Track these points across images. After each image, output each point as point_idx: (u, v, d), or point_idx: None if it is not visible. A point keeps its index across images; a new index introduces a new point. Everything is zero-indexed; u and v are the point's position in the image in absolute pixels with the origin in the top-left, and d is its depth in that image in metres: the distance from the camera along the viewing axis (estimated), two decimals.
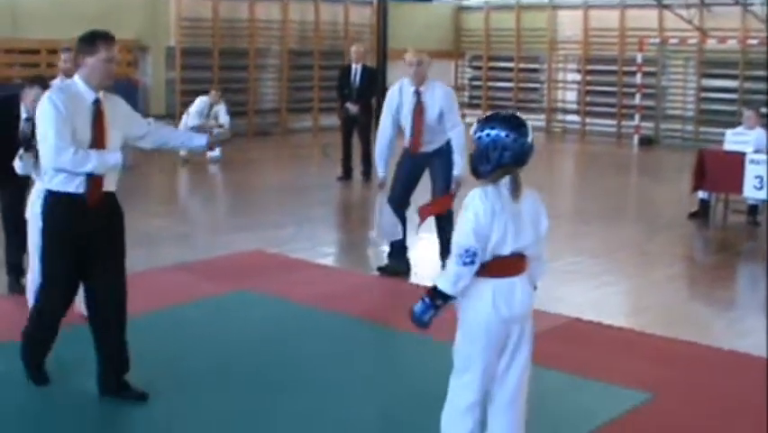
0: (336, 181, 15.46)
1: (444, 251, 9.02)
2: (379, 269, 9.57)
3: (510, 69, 25.01)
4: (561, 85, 24.62)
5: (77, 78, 5.68)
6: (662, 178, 17.54)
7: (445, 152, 9.18)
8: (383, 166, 9.41)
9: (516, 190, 4.57)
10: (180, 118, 19.31)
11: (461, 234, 4.50)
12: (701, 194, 12.74)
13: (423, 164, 9.38)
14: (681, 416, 5.92)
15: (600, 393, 6.25)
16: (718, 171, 12.46)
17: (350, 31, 23.64)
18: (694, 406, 6.10)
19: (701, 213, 12.72)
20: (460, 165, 8.94)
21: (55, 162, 5.52)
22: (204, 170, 16.90)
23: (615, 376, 6.51)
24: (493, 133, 4.56)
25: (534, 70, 25.01)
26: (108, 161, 5.62)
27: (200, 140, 6.42)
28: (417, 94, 9.29)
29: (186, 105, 19.88)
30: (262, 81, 22.51)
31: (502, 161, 4.53)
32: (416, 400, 6.04)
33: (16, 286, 8.39)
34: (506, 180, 4.56)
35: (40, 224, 5.94)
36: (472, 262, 4.50)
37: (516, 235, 4.56)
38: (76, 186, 5.66)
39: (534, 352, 4.86)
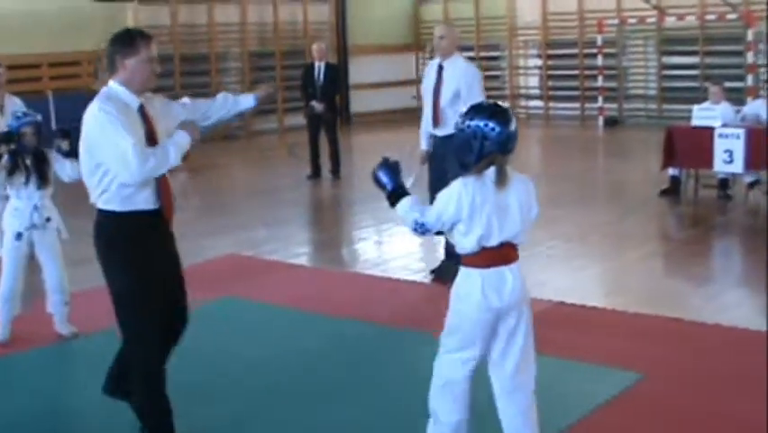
0: (306, 180, 15.40)
1: (450, 254, 8.47)
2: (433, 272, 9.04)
3: (471, 59, 24.95)
4: (522, 71, 24.67)
5: (113, 84, 5.05)
6: (629, 157, 17.60)
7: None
8: (425, 141, 8.97)
9: (501, 180, 4.56)
10: None
11: (429, 212, 4.63)
12: (672, 171, 12.80)
13: (436, 149, 8.78)
14: (675, 394, 5.92)
15: (592, 376, 6.25)
16: (688, 147, 12.53)
17: (309, 29, 23.58)
18: (686, 383, 6.11)
19: (672, 190, 12.78)
20: None
21: (142, 172, 4.85)
22: (172, 177, 16.76)
23: (604, 358, 6.51)
24: (473, 123, 4.58)
25: (495, 58, 25.03)
26: (181, 142, 5.09)
27: (247, 101, 5.74)
28: (440, 68, 8.79)
29: None
30: (225, 85, 22.35)
31: (484, 150, 4.55)
32: (414, 397, 6.01)
33: None
34: (491, 171, 4.56)
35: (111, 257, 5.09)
36: (422, 233, 4.73)
37: (502, 227, 4.58)
38: (146, 200, 5.06)
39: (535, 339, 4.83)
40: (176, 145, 5.04)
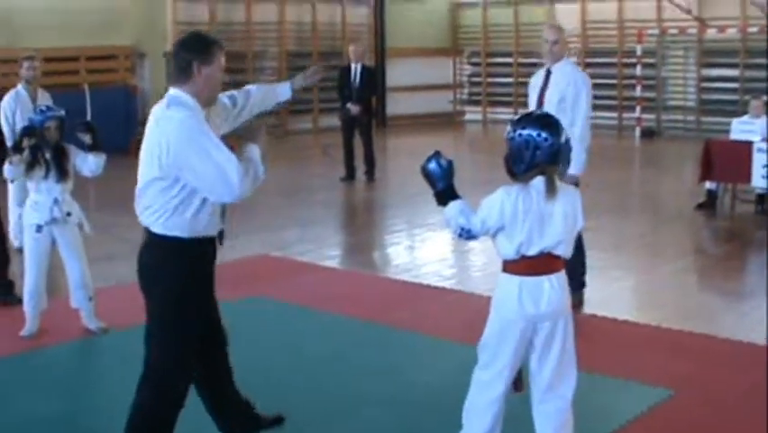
0: (339, 182, 15.39)
1: (574, 275, 7.72)
2: None
3: (509, 65, 24.92)
4: None
5: (180, 93, 4.61)
6: (666, 169, 17.46)
7: None
8: None
9: (550, 190, 4.59)
10: None
11: (474, 218, 4.64)
12: (709, 184, 12.67)
13: None
14: (705, 412, 5.84)
15: (621, 391, 6.17)
16: (726, 161, 12.39)
17: (347, 31, 23.58)
18: (717, 402, 6.01)
19: (709, 203, 12.65)
20: (575, 162, 7.35)
21: (243, 190, 4.52)
22: None
23: (634, 373, 6.43)
24: (525, 132, 4.59)
25: (534, 65, 24.85)
26: (259, 156, 4.75)
27: (285, 92, 5.56)
28: (548, 74, 8.26)
29: None
30: (261, 84, 22.38)
31: (535, 160, 4.56)
32: (435, 404, 5.97)
33: (7, 298, 8.25)
34: (538, 180, 4.58)
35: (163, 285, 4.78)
36: (466, 238, 4.75)
37: (542, 236, 4.59)
38: (214, 224, 4.84)
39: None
40: (259, 160, 4.71)
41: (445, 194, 4.75)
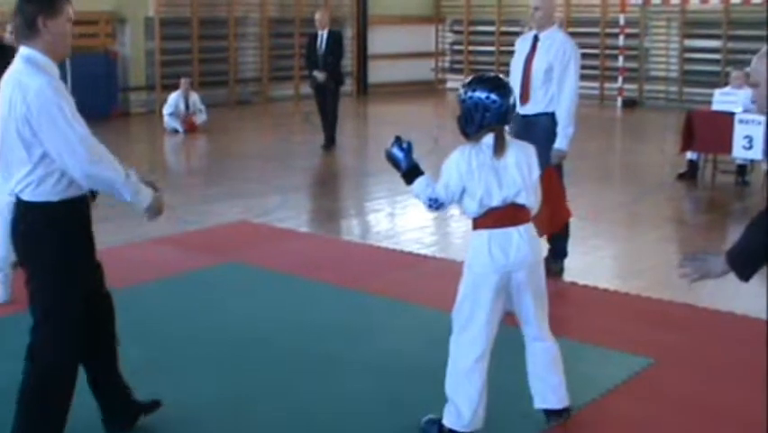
0: (320, 149, 15.33)
1: (556, 243, 8.12)
2: None
3: (492, 33, 24.82)
4: None
5: (33, 52, 4.36)
6: (647, 139, 17.46)
7: (545, 122, 7.82)
8: None
9: (498, 148, 4.79)
10: (161, 90, 19.28)
11: (437, 186, 4.84)
12: (690, 155, 12.68)
13: (524, 129, 7.48)
14: (685, 381, 5.84)
15: (602, 359, 6.17)
16: (707, 132, 12.39)
17: None
18: (697, 370, 6.02)
19: (690, 174, 12.66)
20: (561, 137, 7.77)
21: (90, 167, 4.34)
22: (186, 140, 16.77)
23: (615, 341, 6.42)
24: (475, 95, 4.81)
25: (516, 34, 24.77)
26: (140, 191, 4.67)
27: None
28: (535, 39, 7.93)
29: (166, 76, 19.75)
30: (243, 50, 22.29)
31: (484, 121, 4.78)
32: (415, 371, 5.95)
33: None
34: (488, 138, 4.78)
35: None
36: (436, 208, 4.92)
37: (501, 186, 4.77)
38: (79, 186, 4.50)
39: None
40: (132, 184, 4.50)
41: (410, 173, 4.95)
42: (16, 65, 4.36)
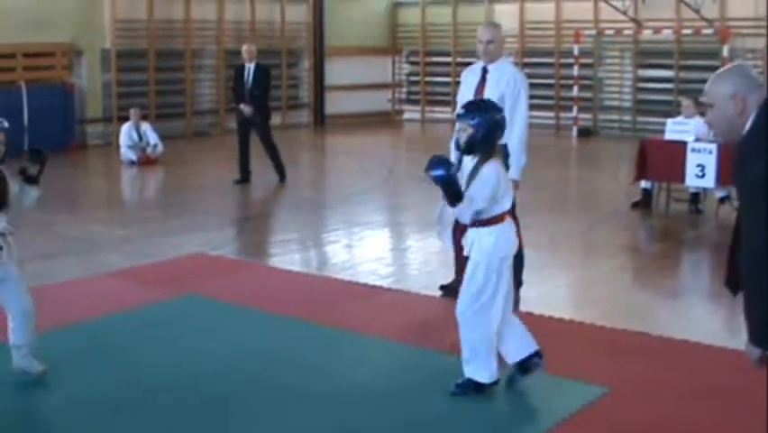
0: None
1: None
2: (443, 288, 8.46)
3: (448, 64, 24.96)
4: None
5: None
6: (602, 168, 17.62)
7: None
8: (453, 153, 7.59)
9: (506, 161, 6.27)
10: (118, 121, 19.23)
11: (478, 199, 5.72)
12: (644, 183, 12.80)
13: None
14: (639, 409, 5.87)
15: (557, 388, 6.17)
16: (660, 161, 12.53)
17: (286, 29, 23.50)
18: (652, 398, 6.05)
19: (644, 202, 12.78)
20: (514, 168, 7.77)
21: None
22: (143, 172, 16.71)
23: (570, 371, 6.44)
24: (490, 116, 5.77)
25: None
26: None
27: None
28: (484, 71, 8.06)
29: (122, 108, 19.71)
30: (199, 82, 22.29)
31: (497, 137, 5.86)
32: (371, 401, 5.96)
33: None
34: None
35: None
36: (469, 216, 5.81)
37: (508, 194, 5.90)
38: None
39: None
40: None
41: (459, 194, 5.69)
42: None
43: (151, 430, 5.55)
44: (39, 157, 6.13)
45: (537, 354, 6.11)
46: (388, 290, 8.81)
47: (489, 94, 7.80)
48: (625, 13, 21.33)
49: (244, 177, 15.15)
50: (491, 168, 5.73)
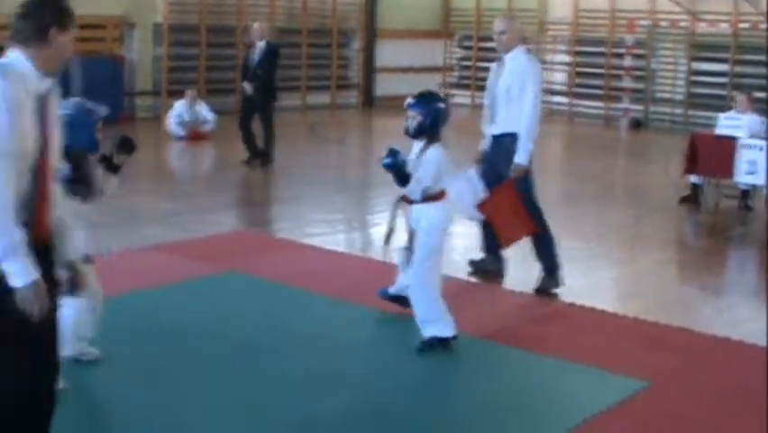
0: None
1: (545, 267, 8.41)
2: (473, 264, 8.82)
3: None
4: (549, 66, 24.46)
5: (18, 55, 3.93)
6: (651, 161, 17.46)
7: (507, 143, 8.12)
8: (486, 140, 8.48)
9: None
10: (168, 95, 19.29)
11: (428, 177, 6.45)
12: (693, 178, 12.64)
13: (491, 148, 8.34)
14: (678, 405, 5.82)
15: (596, 380, 6.15)
16: (710, 155, 12.36)
17: (338, 9, 23.43)
18: (691, 395, 6.00)
19: (692, 197, 12.62)
20: (521, 152, 8.02)
21: None
22: (191, 146, 16.78)
23: (610, 363, 6.41)
24: (440, 106, 6.64)
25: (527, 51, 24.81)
26: (20, 270, 3.79)
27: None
28: (502, 63, 8.26)
29: (172, 82, 19.77)
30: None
31: (442, 125, 6.63)
32: (404, 377, 5.96)
33: None
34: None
35: None
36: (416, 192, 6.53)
37: (448, 174, 6.67)
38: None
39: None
40: (14, 248, 3.71)
41: (407, 176, 6.46)
42: None
43: (196, 400, 5.58)
44: (127, 147, 5.96)
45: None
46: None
47: (501, 84, 8.17)
48: (680, 4, 21.08)
49: (253, 155, 14.80)
50: (435, 151, 6.50)
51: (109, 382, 5.85)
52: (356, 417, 5.54)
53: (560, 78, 24.22)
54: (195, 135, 17.27)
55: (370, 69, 24.45)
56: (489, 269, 8.71)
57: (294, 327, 7.01)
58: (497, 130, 8.25)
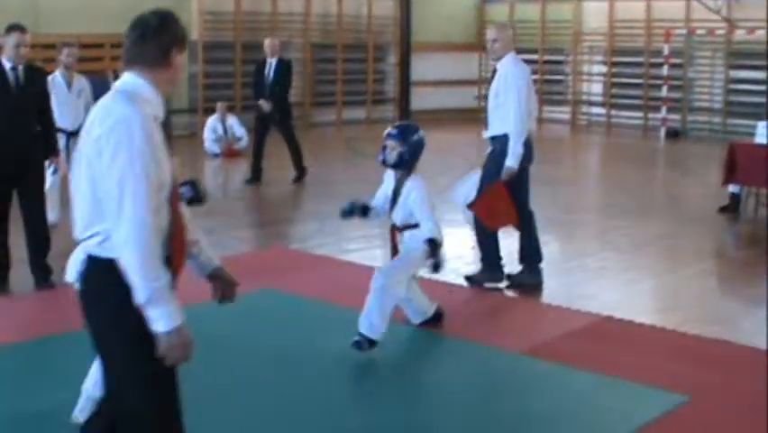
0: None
1: (526, 253, 8.85)
2: (468, 278, 8.91)
3: (535, 62, 24.71)
4: (586, 77, 24.41)
5: (140, 80, 3.76)
6: (690, 171, 17.32)
7: (498, 144, 8.46)
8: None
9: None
10: (203, 113, 19.38)
11: (429, 213, 6.81)
12: (732, 187, 12.52)
13: (489, 151, 8.67)
14: (718, 421, 5.73)
15: (635, 395, 6.07)
16: (750, 164, 12.23)
17: (373, 24, 23.49)
18: (732, 410, 5.90)
19: (732, 207, 12.50)
20: (510, 156, 8.30)
21: (121, 239, 3.58)
22: (226, 163, 16.84)
23: (649, 377, 6.33)
24: (420, 137, 6.96)
25: (559, 62, 24.78)
26: (160, 298, 3.67)
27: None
28: (494, 71, 8.67)
29: (208, 99, 19.87)
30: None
31: (419, 156, 6.96)
32: (450, 399, 5.92)
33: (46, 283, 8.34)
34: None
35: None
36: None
37: None
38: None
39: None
40: (158, 291, 3.58)
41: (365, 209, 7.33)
42: (111, 94, 3.78)
43: (241, 418, 5.57)
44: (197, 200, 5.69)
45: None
46: (467, 288, 8.75)
47: (492, 89, 8.58)
48: (717, 12, 20.93)
49: (255, 176, 14.73)
50: (415, 183, 6.87)
51: None
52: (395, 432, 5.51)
53: (597, 88, 24.14)
54: (230, 153, 17.39)
55: (405, 82, 24.43)
56: (525, 282, 8.75)
57: (331, 343, 6.98)
58: (489, 133, 8.64)
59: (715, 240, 11.66)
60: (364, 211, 7.23)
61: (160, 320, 3.56)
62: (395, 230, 7.12)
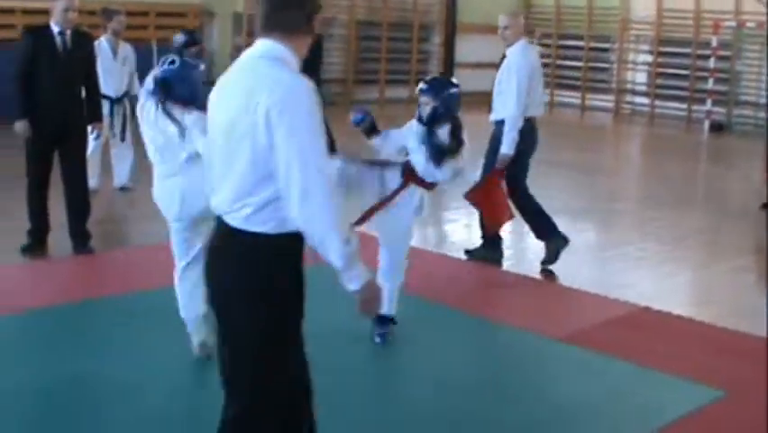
0: None
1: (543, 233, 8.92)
2: (468, 252, 9.20)
3: (580, 48, 24.58)
4: (631, 66, 24.21)
5: (285, 50, 3.68)
6: (733, 165, 17.16)
7: (497, 129, 8.72)
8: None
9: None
10: None
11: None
12: None
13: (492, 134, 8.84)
14: (755, 416, 5.67)
15: (671, 388, 6.03)
16: None
17: (419, 3, 23.38)
18: None
19: None
20: (505, 142, 8.51)
21: (306, 215, 3.48)
22: None
23: (685, 370, 6.29)
24: (454, 90, 6.63)
25: (605, 50, 24.58)
26: (353, 265, 3.67)
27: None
28: (503, 57, 8.95)
29: None
30: (329, 51, 22.33)
31: (455, 110, 6.63)
32: (483, 386, 5.91)
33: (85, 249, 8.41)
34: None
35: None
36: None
37: None
38: None
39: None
40: (350, 253, 3.52)
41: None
42: (254, 57, 3.71)
43: None
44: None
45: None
46: (504, 271, 8.74)
47: (498, 75, 8.77)
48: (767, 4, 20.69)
49: None
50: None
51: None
52: (432, 418, 5.49)
53: (641, 78, 23.94)
54: None
55: (449, 63, 24.33)
56: (486, 257, 8.99)
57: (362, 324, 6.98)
58: (492, 118, 8.80)
59: (755, 236, 11.54)
60: (372, 128, 6.74)
61: (355, 280, 3.56)
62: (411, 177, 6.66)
